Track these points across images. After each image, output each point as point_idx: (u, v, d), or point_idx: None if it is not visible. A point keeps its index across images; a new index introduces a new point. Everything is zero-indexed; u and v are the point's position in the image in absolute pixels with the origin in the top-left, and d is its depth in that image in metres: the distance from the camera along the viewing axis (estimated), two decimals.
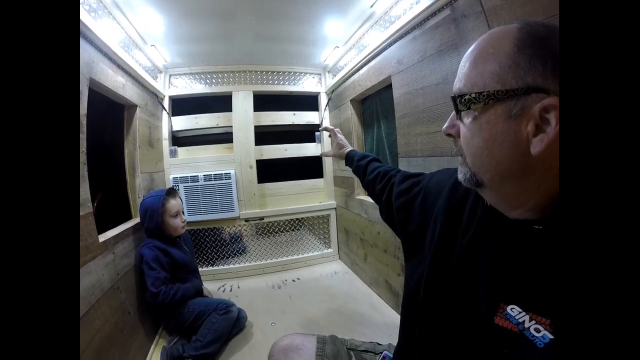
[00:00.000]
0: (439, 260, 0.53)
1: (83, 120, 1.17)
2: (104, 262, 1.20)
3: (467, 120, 0.42)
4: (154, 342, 1.55)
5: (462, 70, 0.43)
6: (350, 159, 1.09)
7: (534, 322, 0.37)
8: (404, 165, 1.55)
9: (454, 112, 0.45)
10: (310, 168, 2.72)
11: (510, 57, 0.37)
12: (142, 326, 1.47)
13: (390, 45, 1.60)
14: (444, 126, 0.48)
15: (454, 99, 0.42)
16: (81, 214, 1.09)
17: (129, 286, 1.42)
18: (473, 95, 0.39)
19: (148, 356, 1.43)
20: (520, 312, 0.38)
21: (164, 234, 1.59)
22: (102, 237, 1.25)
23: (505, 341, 0.38)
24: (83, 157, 1.16)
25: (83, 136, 1.17)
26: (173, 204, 1.63)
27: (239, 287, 2.19)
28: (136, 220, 1.67)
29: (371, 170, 0.94)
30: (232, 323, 1.54)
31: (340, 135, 1.18)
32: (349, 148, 1.14)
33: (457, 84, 0.43)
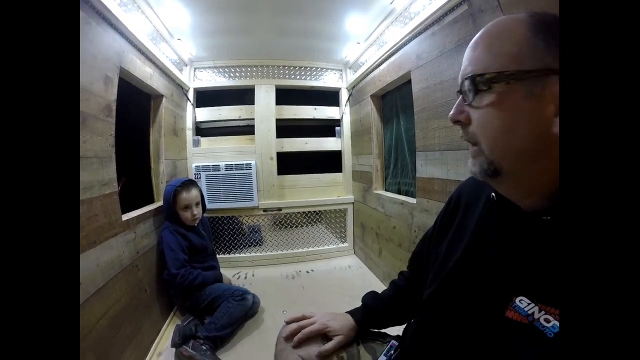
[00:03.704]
0: (451, 255, 0.54)
1: (113, 106, 1.26)
2: (125, 240, 1.28)
3: (485, 102, 0.40)
4: (167, 322, 1.62)
5: (472, 54, 0.42)
6: (365, 320, 0.81)
7: (543, 312, 0.37)
8: (421, 159, 1.55)
9: (460, 98, 0.44)
10: (329, 162, 2.74)
11: (526, 40, 0.37)
12: (157, 305, 1.54)
13: (409, 40, 1.61)
14: (451, 113, 0.45)
15: (472, 78, 0.40)
16: (106, 192, 1.17)
17: (147, 265, 1.50)
18: (493, 74, 0.38)
19: (160, 334, 1.50)
20: (529, 304, 0.39)
21: (180, 220, 1.67)
22: (125, 217, 1.33)
23: (515, 333, 0.39)
24: (111, 140, 1.24)
25: (112, 120, 1.25)
26: (184, 197, 1.64)
27: (253, 275, 2.25)
28: (158, 203, 1.75)
29: (385, 298, 0.83)
30: (246, 310, 1.59)
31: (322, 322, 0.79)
32: (350, 318, 0.81)
33: (469, 67, 0.42)
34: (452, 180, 1.33)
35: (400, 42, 1.67)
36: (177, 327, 1.38)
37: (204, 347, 1.31)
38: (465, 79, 0.41)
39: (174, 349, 1.34)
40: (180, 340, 1.33)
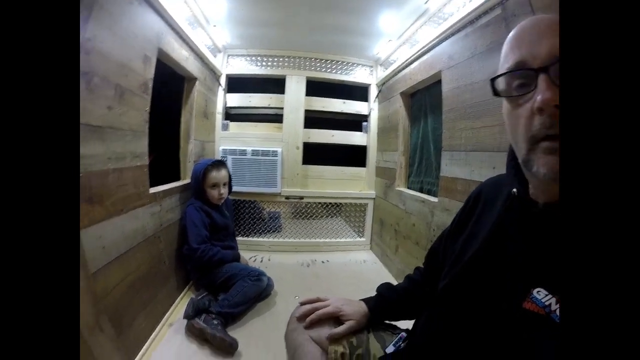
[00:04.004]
0: (467, 250, 0.55)
1: (149, 84, 1.32)
2: (151, 212, 1.35)
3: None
4: (181, 295, 1.69)
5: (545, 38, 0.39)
6: (378, 309, 0.82)
7: (559, 304, 0.37)
8: (446, 159, 1.54)
9: (546, 78, 0.37)
10: (354, 156, 2.74)
11: None
12: (174, 277, 1.61)
13: (442, 41, 1.62)
14: (548, 95, 0.36)
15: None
16: (137, 164, 1.24)
17: (169, 239, 1.57)
18: None
19: (173, 305, 1.57)
20: (547, 295, 0.39)
21: (206, 197, 1.73)
22: (153, 190, 1.40)
23: (532, 324, 0.39)
24: (146, 115, 1.31)
25: (148, 97, 1.32)
26: (213, 175, 1.71)
27: (269, 260, 2.30)
28: (185, 181, 1.83)
29: (399, 292, 0.83)
30: (260, 291, 1.63)
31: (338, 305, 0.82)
32: (364, 305, 0.82)
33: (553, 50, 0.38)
34: (475, 181, 1.30)
35: (433, 42, 1.67)
36: (191, 300, 1.44)
37: (215, 322, 1.34)
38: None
39: (185, 321, 1.39)
40: (193, 313, 1.38)
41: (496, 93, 0.44)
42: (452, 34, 1.51)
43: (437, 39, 1.62)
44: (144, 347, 1.23)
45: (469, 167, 1.35)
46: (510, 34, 0.44)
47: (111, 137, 1.06)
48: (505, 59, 0.44)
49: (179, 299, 1.64)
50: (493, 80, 0.44)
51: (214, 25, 1.98)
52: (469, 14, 1.34)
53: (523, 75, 0.40)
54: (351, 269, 2.24)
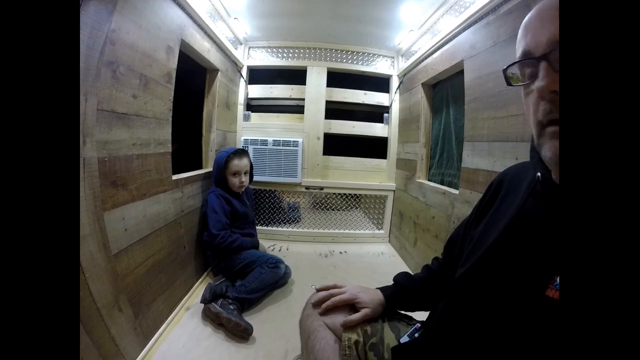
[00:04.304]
0: (487, 237, 0.54)
1: (172, 74, 1.37)
2: (172, 198, 1.41)
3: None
4: (199, 280, 1.74)
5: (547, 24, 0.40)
6: (394, 298, 0.81)
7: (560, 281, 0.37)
8: (468, 150, 1.50)
9: (546, 66, 0.39)
10: (375, 148, 2.71)
11: None
12: (192, 263, 1.66)
13: (464, 30, 1.57)
14: (547, 81, 0.38)
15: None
16: (161, 151, 1.29)
17: (189, 225, 1.62)
18: None
19: (191, 290, 1.62)
20: None
21: (227, 185, 1.77)
22: (175, 177, 1.46)
23: (555, 311, 0.38)
24: (169, 104, 1.36)
25: (171, 87, 1.37)
26: (235, 163, 1.75)
27: (287, 249, 2.33)
28: (206, 169, 1.88)
29: (416, 280, 0.82)
30: (277, 278, 1.66)
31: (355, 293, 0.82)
32: (380, 293, 0.82)
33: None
34: (497, 173, 1.24)
35: (455, 31, 1.63)
36: (208, 285, 1.48)
37: (231, 307, 1.37)
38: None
39: (202, 305, 1.43)
40: (210, 297, 1.42)
41: (509, 83, 0.47)
42: (474, 23, 1.47)
43: (459, 28, 1.58)
44: (160, 329, 1.28)
45: (491, 158, 1.30)
46: (522, 23, 0.45)
47: (136, 124, 1.11)
48: (517, 48, 0.45)
49: (197, 284, 1.70)
50: (505, 70, 0.47)
51: (235, 18, 2.00)
52: (490, 1, 1.30)
53: (530, 64, 0.42)
54: (369, 260, 2.23)
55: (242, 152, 1.82)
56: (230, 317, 1.31)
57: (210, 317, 1.38)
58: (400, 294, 0.81)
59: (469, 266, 0.54)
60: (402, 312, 0.84)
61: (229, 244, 1.62)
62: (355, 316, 0.76)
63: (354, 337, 0.73)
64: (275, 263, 1.66)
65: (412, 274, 0.86)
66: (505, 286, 0.46)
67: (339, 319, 0.78)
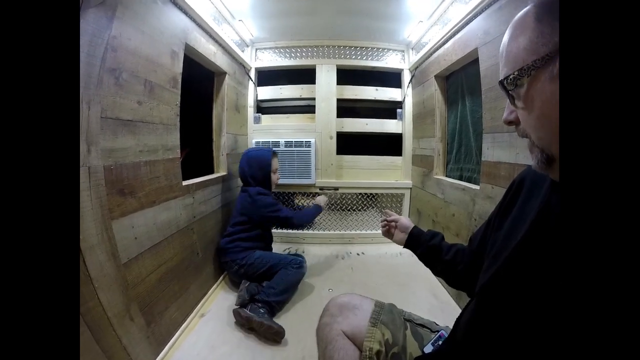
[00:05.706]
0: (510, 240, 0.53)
1: (178, 78, 1.35)
2: (184, 204, 1.39)
3: (520, 99, 0.43)
4: (214, 286, 1.72)
5: (502, 59, 0.45)
6: (416, 239, 0.91)
7: None
8: (488, 142, 1.42)
9: (508, 101, 0.46)
10: (389, 145, 2.64)
11: (534, 29, 0.39)
12: (206, 269, 1.64)
13: (475, 16, 1.51)
14: (504, 116, 0.48)
15: (501, 83, 0.44)
16: (169, 157, 1.28)
17: (202, 230, 1.60)
18: (516, 72, 0.41)
19: (205, 297, 1.59)
20: None
21: (268, 183, 1.80)
22: (186, 182, 1.44)
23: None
24: (176, 109, 1.34)
25: (178, 92, 1.35)
26: (275, 161, 1.86)
27: (303, 252, 2.29)
28: (218, 174, 1.87)
29: (448, 248, 0.84)
30: (301, 278, 1.67)
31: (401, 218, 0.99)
32: (412, 225, 0.95)
33: (502, 71, 0.45)
34: (520, 165, 1.17)
35: (466, 19, 1.56)
36: (243, 285, 1.49)
37: (261, 310, 1.37)
38: (499, 82, 0.45)
39: (220, 312, 1.44)
40: (249, 297, 1.43)
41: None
42: (486, 8, 1.41)
43: (470, 15, 1.51)
44: (174, 337, 1.26)
45: (513, 149, 1.22)
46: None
47: (142, 130, 1.10)
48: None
49: (211, 290, 1.68)
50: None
51: (239, 20, 1.99)
52: None
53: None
54: (387, 262, 2.16)
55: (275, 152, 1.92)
56: (262, 320, 1.32)
57: (241, 322, 1.38)
58: (423, 240, 0.89)
59: (494, 271, 0.52)
60: (424, 318, 0.83)
61: (307, 216, 1.84)
62: (393, 215, 1.00)
63: (375, 346, 0.72)
64: (299, 263, 1.67)
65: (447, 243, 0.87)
66: (534, 293, 0.43)
67: (357, 327, 0.76)
